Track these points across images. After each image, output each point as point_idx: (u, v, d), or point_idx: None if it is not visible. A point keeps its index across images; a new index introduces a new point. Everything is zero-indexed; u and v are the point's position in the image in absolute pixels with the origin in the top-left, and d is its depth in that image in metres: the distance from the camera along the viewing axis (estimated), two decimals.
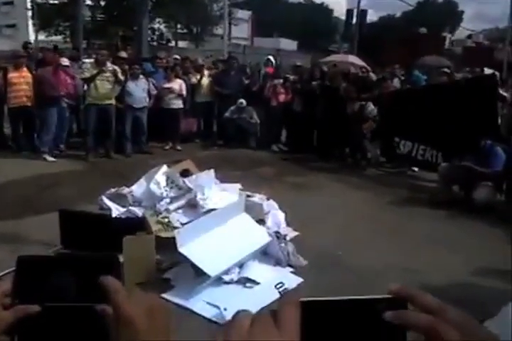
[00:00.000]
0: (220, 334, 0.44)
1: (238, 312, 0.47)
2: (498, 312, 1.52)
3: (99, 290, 0.56)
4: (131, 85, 8.29)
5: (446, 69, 10.27)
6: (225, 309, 3.44)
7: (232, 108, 9.34)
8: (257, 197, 4.93)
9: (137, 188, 4.61)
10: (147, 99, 8.49)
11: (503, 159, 6.06)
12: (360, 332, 0.48)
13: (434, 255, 4.51)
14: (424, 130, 7.29)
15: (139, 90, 8.36)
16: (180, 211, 4.27)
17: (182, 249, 3.69)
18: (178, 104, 8.98)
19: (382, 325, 0.48)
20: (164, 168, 4.61)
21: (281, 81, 9.34)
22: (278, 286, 3.86)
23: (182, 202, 4.32)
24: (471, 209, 5.84)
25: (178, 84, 8.95)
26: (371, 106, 8.08)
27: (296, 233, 4.80)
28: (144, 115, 8.51)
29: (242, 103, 9.26)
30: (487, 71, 9.30)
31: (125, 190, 4.87)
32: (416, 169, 7.95)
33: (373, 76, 10.13)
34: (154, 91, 8.71)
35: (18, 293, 0.57)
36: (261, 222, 4.51)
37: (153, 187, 4.32)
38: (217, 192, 4.59)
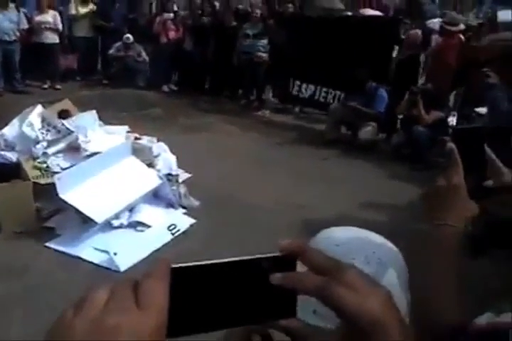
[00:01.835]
0: (70, 310, 0.36)
1: (94, 287, 0.38)
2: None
3: None
4: None
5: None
6: (115, 254, 3.33)
7: (117, 44, 8.67)
8: (146, 140, 4.71)
9: (9, 131, 4.13)
10: (17, 32, 7.53)
11: (385, 101, 6.37)
12: (245, 298, 0.40)
13: (322, 191, 4.72)
14: (322, 71, 7.20)
15: (6, 21, 7.38)
16: (60, 155, 3.93)
17: (64, 196, 3.44)
18: (53, 38, 8.10)
19: (270, 288, 0.40)
20: (39, 108, 4.16)
21: (172, 15, 8.80)
22: (171, 228, 3.80)
23: (62, 145, 3.97)
24: (356, 148, 6.15)
25: (51, 16, 8.02)
26: (265, 41, 7.92)
27: (188, 175, 4.72)
28: (16, 50, 7.60)
29: (128, 38, 8.61)
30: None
31: None
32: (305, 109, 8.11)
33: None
34: (26, 26, 7.74)
35: None
36: (151, 165, 4.33)
37: (26, 129, 3.90)
38: (101, 135, 4.28)
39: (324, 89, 7.62)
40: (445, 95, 6.33)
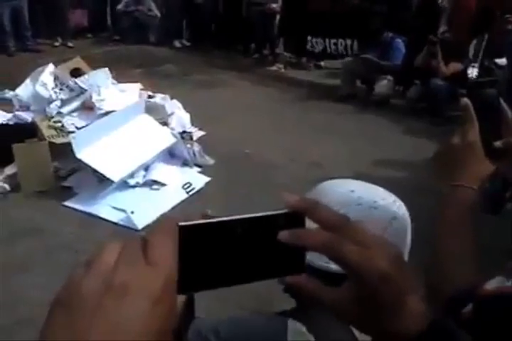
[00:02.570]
0: (80, 268, 0.37)
1: (103, 245, 0.38)
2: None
3: None
4: None
5: None
6: (132, 212, 3.39)
7: None
8: (159, 98, 4.67)
9: (23, 91, 4.14)
10: None
11: (402, 52, 6.16)
12: (253, 254, 0.40)
13: (337, 148, 4.68)
14: (336, 21, 7.00)
15: None
16: (74, 114, 3.94)
17: (80, 155, 3.47)
18: None
19: (278, 244, 0.40)
20: (51, 67, 4.13)
21: None
22: (185, 187, 3.84)
23: (76, 104, 3.97)
24: (372, 103, 6.02)
25: None
26: None
27: (202, 133, 4.71)
28: (23, 6, 7.42)
29: None
30: None
31: (9, 94, 4.38)
32: (322, 63, 7.90)
33: None
34: None
35: None
36: (164, 124, 4.32)
37: (39, 89, 3.89)
38: (114, 93, 4.26)
39: (341, 40, 7.36)
40: (465, 45, 6.08)
